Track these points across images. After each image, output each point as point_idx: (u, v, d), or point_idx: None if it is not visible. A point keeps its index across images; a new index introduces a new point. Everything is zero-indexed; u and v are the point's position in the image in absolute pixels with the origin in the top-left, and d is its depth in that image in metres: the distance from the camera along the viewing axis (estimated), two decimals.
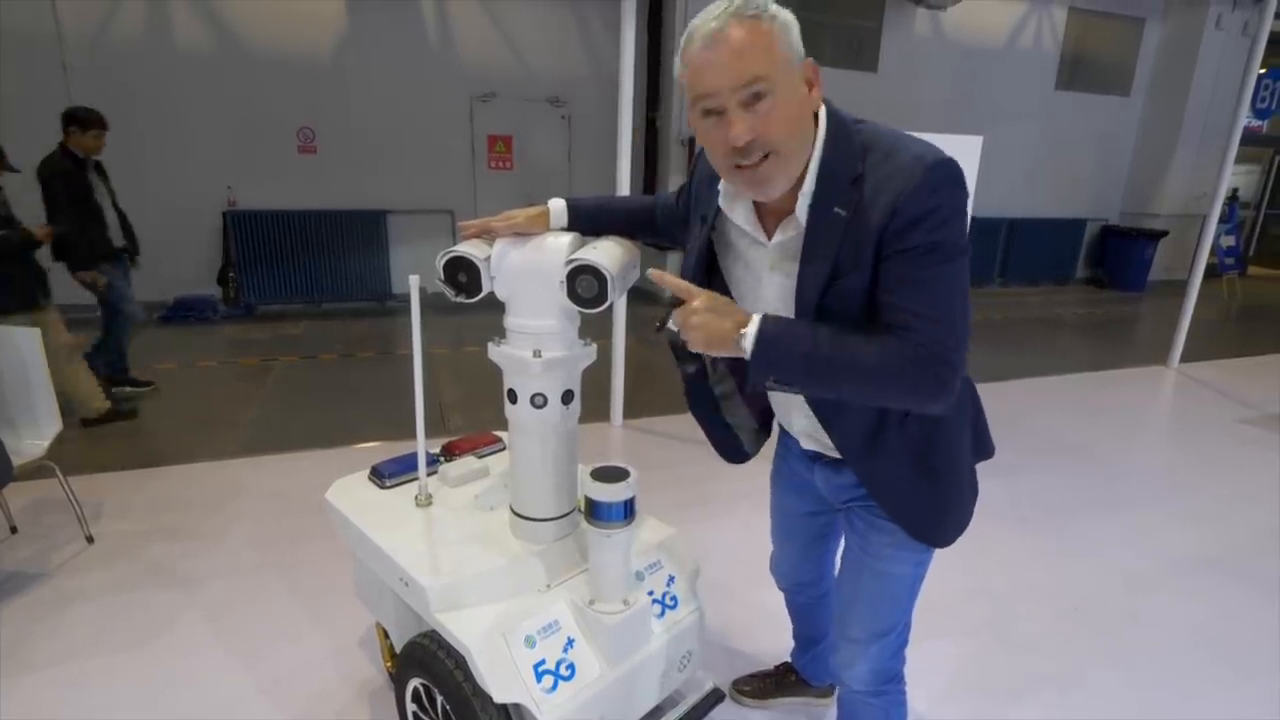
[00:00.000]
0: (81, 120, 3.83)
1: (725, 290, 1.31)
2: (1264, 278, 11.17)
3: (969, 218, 1.08)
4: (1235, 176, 8.36)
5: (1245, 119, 5.14)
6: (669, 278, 1.14)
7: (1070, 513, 3.19)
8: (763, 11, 0.99)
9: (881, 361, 1.01)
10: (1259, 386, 5.22)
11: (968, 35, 8.56)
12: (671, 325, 1.14)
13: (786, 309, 1.15)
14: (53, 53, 5.79)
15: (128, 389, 4.28)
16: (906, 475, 1.22)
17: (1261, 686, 2.15)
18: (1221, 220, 6.60)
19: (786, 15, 1.02)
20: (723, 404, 1.47)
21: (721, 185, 1.19)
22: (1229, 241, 9.06)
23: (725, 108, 1.00)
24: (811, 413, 1.25)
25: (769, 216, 1.17)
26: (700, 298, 1.10)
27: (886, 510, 1.26)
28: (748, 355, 1.06)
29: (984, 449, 1.38)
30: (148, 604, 2.34)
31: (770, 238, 1.16)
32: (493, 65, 7.15)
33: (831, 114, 1.10)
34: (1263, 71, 9.33)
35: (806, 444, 1.40)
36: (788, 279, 1.14)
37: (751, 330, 1.05)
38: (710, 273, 1.30)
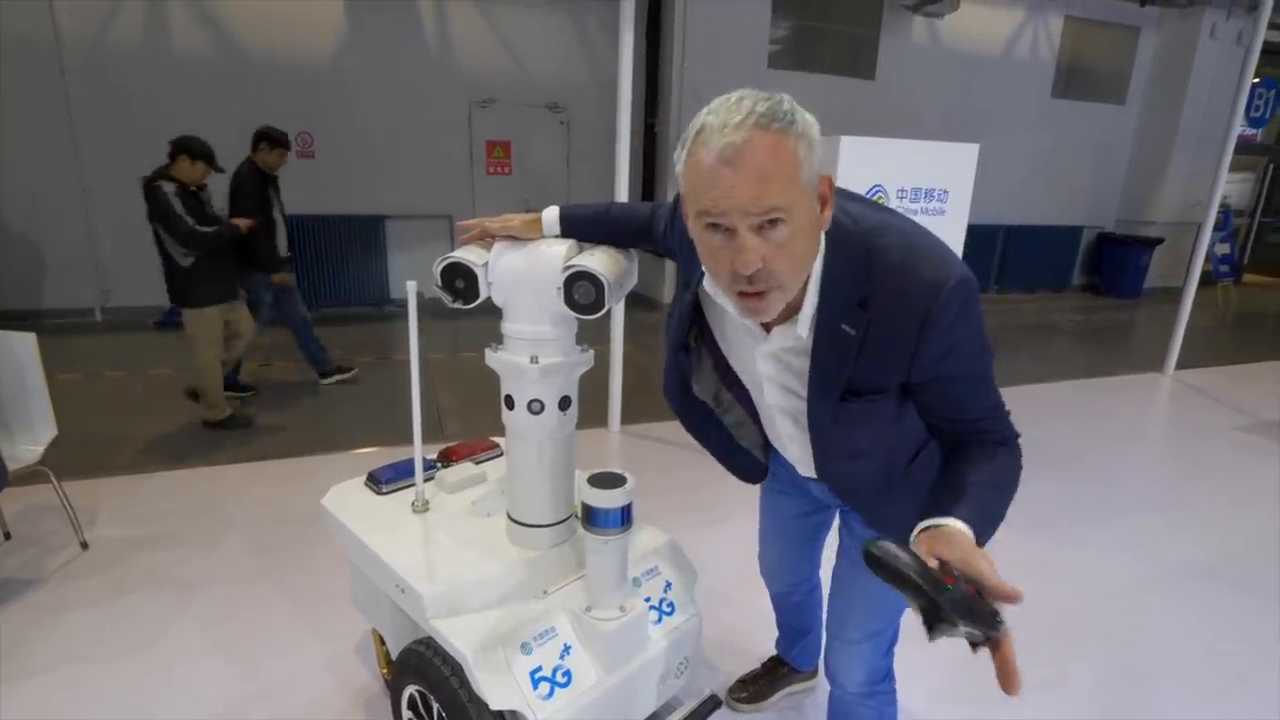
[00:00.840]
0: (272, 139, 4.24)
1: (715, 347, 1.29)
2: (1259, 285, 11.22)
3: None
4: (1230, 185, 8.40)
5: (1240, 127, 5.17)
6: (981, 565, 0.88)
7: (1066, 519, 3.19)
8: (789, 125, 0.88)
9: (1013, 472, 1.04)
10: (1254, 393, 5.24)
11: (965, 43, 8.61)
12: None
13: (782, 379, 1.16)
14: (50, 56, 5.79)
15: (334, 377, 4.76)
16: (914, 512, 1.22)
17: (1257, 692, 2.15)
18: (1216, 228, 6.63)
19: (811, 125, 0.91)
20: (735, 432, 1.45)
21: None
22: (1224, 249, 9.10)
23: (736, 229, 0.91)
24: (809, 455, 1.25)
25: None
26: (983, 561, 0.89)
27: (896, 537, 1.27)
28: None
29: None
30: (143, 610, 2.32)
31: (768, 332, 1.12)
32: (491, 70, 7.17)
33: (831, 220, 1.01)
34: (1256, 80, 9.41)
35: (804, 470, 1.36)
36: (788, 369, 1.14)
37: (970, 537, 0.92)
38: (697, 319, 1.26)
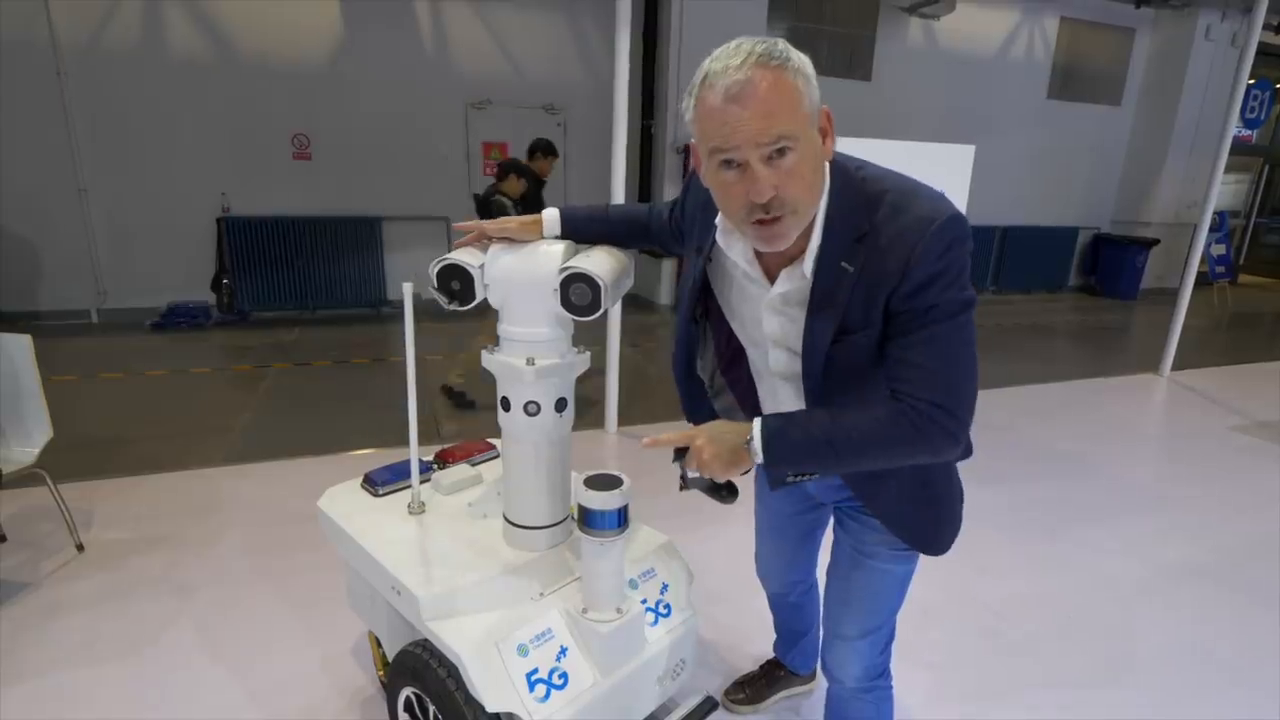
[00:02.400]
0: (546, 149, 4.69)
1: (721, 317, 1.31)
2: (1254, 286, 11.25)
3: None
4: (1225, 186, 8.44)
5: (1235, 129, 5.19)
6: (661, 437, 1.15)
7: (1062, 520, 3.19)
8: (786, 61, 0.95)
9: (884, 433, 1.04)
10: (1250, 394, 5.26)
11: (961, 44, 8.63)
12: (691, 474, 1.19)
13: (791, 344, 1.17)
14: (47, 58, 5.78)
15: None
16: (909, 497, 1.25)
17: (1252, 694, 2.15)
18: (1212, 229, 6.65)
19: (805, 62, 0.98)
20: (725, 419, 1.46)
21: (719, 221, 1.16)
22: (1220, 250, 9.13)
23: (747, 161, 0.97)
24: None
25: (769, 261, 1.16)
26: (699, 436, 1.13)
27: (890, 528, 1.28)
28: (761, 460, 1.08)
29: (965, 451, 1.40)
30: (138, 613, 2.32)
31: (772, 281, 1.15)
32: (488, 72, 7.17)
33: (836, 164, 1.09)
34: (1251, 82, 9.44)
35: None
36: (791, 323, 1.15)
37: (756, 438, 1.08)
38: (705, 296, 1.30)
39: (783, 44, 0.97)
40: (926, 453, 1.06)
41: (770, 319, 1.18)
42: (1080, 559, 2.88)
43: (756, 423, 1.09)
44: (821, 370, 1.12)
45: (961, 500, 1.33)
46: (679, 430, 1.16)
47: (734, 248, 1.16)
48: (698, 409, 1.45)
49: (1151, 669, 2.25)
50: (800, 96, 0.96)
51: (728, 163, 0.99)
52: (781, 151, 0.96)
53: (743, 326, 1.26)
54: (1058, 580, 2.72)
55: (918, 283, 1.01)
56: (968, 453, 1.39)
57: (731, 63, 0.95)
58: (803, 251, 1.09)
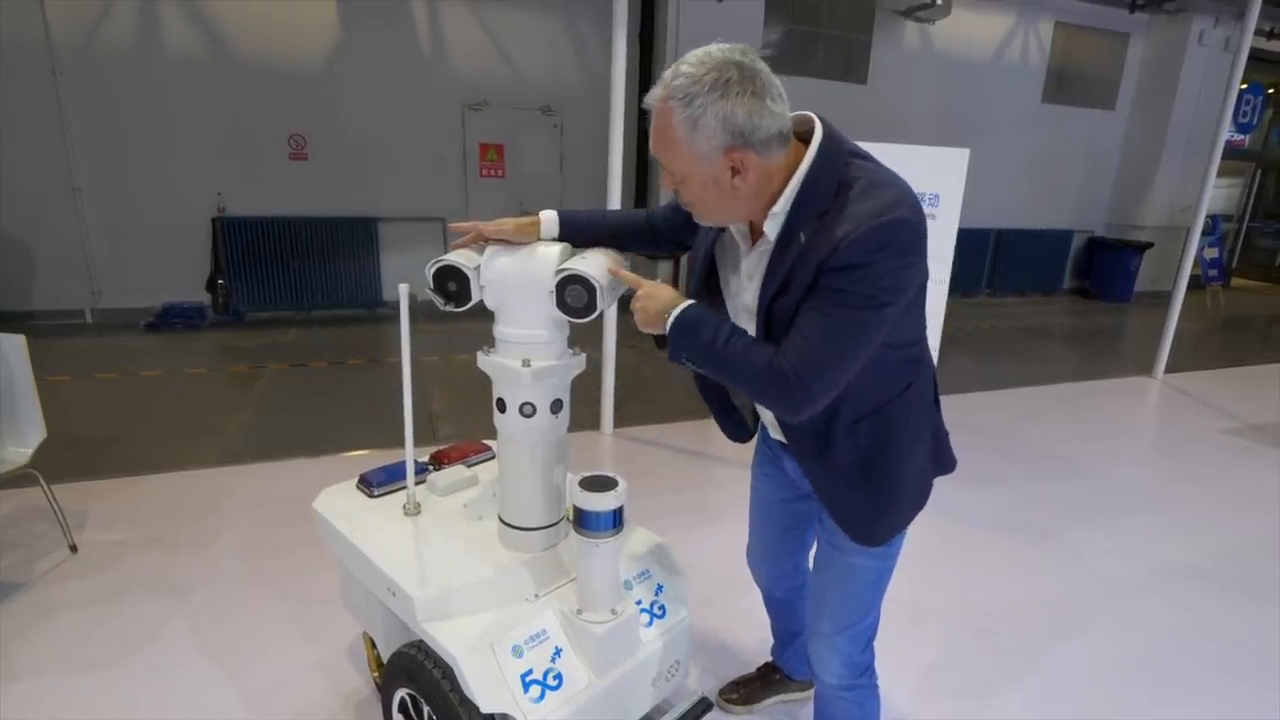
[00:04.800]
0: None
1: (720, 299, 1.37)
2: (1247, 289, 11.32)
3: (917, 271, 1.14)
4: (1218, 190, 8.49)
5: (1227, 133, 5.22)
6: (623, 273, 1.31)
7: (1056, 521, 3.21)
8: (688, 101, 1.03)
9: (749, 367, 1.14)
10: (1242, 397, 5.29)
11: (956, 48, 8.66)
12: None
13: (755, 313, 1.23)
14: (42, 57, 5.76)
15: None
16: (846, 476, 1.28)
17: (1245, 692, 2.17)
18: (1205, 233, 6.70)
19: (707, 106, 1.03)
20: (731, 391, 1.53)
21: None
22: (1213, 253, 9.18)
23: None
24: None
25: (758, 231, 1.21)
26: (644, 286, 1.25)
27: (825, 506, 1.33)
28: (667, 333, 1.20)
29: (944, 464, 1.42)
30: (132, 614, 2.31)
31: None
32: (485, 73, 7.17)
33: (828, 141, 1.12)
34: (1244, 86, 9.51)
35: (774, 433, 1.46)
36: (759, 295, 1.21)
37: (673, 314, 1.19)
38: (712, 275, 1.36)
39: (685, 80, 1.03)
40: (773, 402, 1.16)
41: (748, 287, 1.25)
42: (1074, 559, 2.89)
43: (681, 306, 1.20)
44: (764, 325, 1.20)
45: (916, 498, 1.34)
46: (635, 277, 1.29)
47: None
48: (708, 383, 1.49)
49: (1146, 668, 2.26)
50: (681, 143, 1.07)
51: None
52: (670, 171, 1.11)
53: (734, 296, 1.33)
54: (1051, 580, 2.73)
55: (839, 263, 1.06)
56: (950, 467, 1.43)
57: (665, 78, 1.06)
58: None
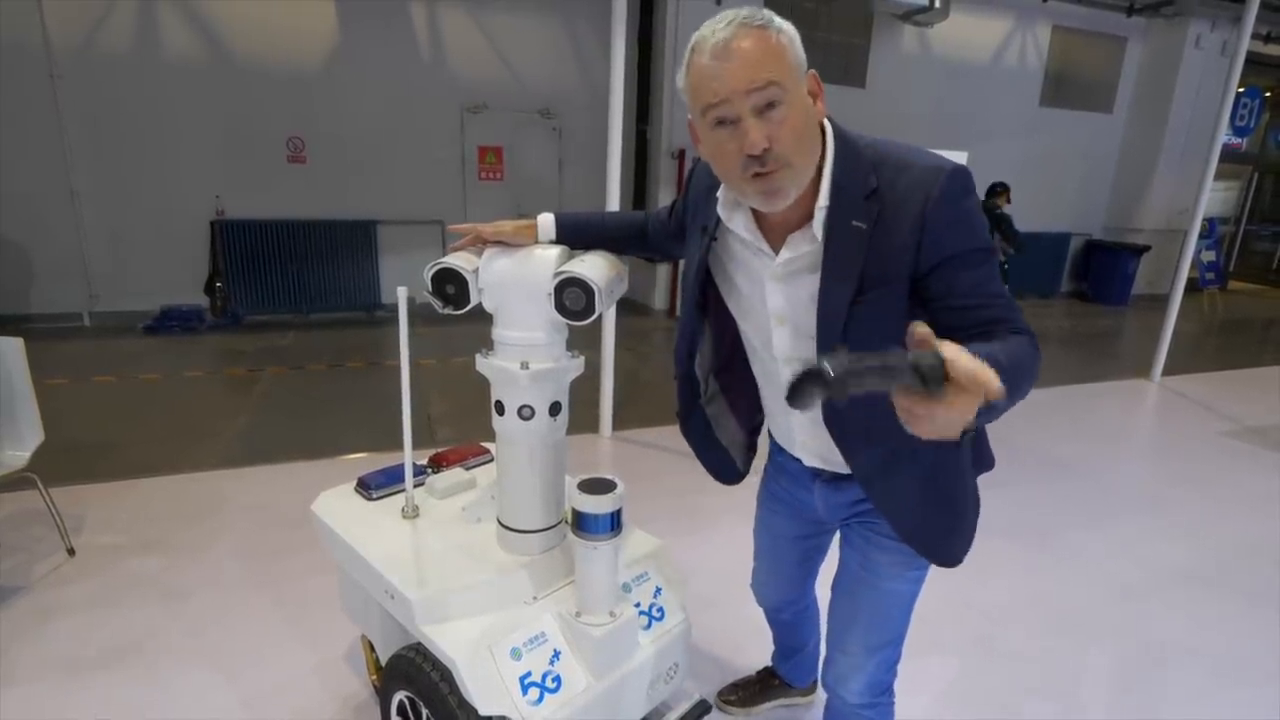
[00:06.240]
0: (1004, 191, 6.21)
1: (720, 313, 1.32)
2: (1244, 292, 11.34)
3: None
4: (1215, 193, 8.50)
5: (1224, 136, 5.24)
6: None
7: (1055, 525, 3.21)
8: (769, 22, 0.99)
9: (1031, 358, 0.98)
10: (1240, 399, 5.30)
11: (954, 52, 8.69)
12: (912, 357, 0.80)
13: (793, 316, 1.16)
14: (40, 60, 5.76)
15: None
16: (918, 496, 1.21)
17: (1245, 696, 2.17)
18: (1202, 235, 6.71)
19: (790, 27, 1.02)
20: (714, 425, 1.47)
21: (721, 193, 1.17)
22: (1210, 256, 9.20)
23: (740, 116, 0.98)
24: (821, 432, 1.22)
25: (773, 230, 1.14)
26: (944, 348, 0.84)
27: (899, 531, 1.24)
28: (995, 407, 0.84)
29: (984, 461, 1.37)
30: (130, 617, 2.31)
31: (776, 251, 1.14)
32: (484, 77, 7.18)
33: (836, 129, 1.10)
34: (1241, 90, 9.54)
35: (810, 461, 1.37)
36: (796, 290, 1.14)
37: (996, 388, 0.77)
38: (707, 285, 1.31)
39: (768, 12, 1.00)
40: (1038, 373, 0.99)
41: (775, 292, 1.17)
42: (1072, 562, 2.89)
43: (997, 383, 0.75)
44: (841, 336, 1.08)
45: (977, 512, 1.30)
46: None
47: (736, 219, 1.16)
48: (689, 414, 1.45)
49: (1146, 671, 2.26)
50: (785, 50, 0.99)
51: (721, 121, 1.00)
52: (771, 105, 0.98)
53: (747, 309, 1.25)
54: (1051, 584, 2.73)
55: (941, 230, 1.02)
56: (990, 464, 1.37)
57: (718, 27, 0.99)
58: (808, 217, 1.09)
